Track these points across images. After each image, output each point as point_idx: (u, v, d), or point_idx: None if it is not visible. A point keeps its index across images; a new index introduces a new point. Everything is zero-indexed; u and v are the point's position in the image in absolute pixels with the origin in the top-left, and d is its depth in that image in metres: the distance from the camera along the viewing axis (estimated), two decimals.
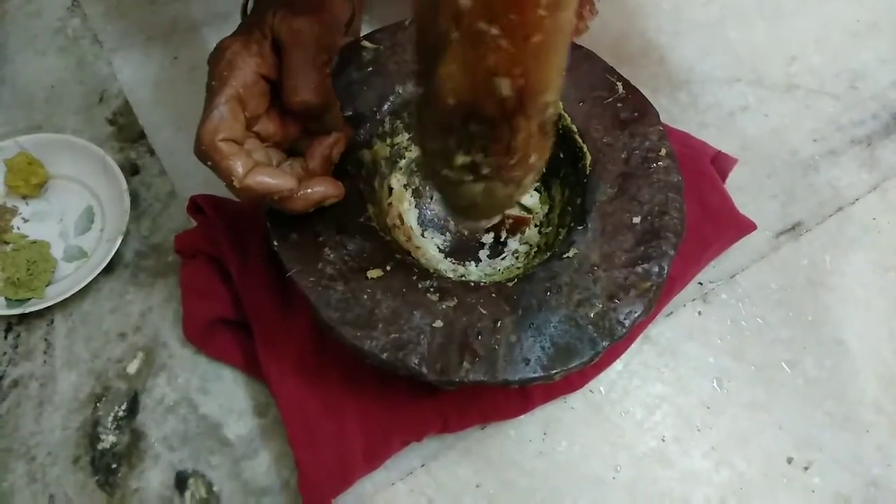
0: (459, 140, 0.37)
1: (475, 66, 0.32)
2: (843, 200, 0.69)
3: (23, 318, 0.61)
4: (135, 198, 0.66)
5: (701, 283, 0.64)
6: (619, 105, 0.58)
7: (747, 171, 0.69)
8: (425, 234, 0.61)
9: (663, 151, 0.56)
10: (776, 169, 0.70)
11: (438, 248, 0.61)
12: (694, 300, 0.64)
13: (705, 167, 0.66)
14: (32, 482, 0.56)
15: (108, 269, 0.63)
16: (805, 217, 0.68)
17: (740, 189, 0.68)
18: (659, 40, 0.77)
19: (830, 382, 0.61)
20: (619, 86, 0.59)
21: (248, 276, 0.58)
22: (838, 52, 0.77)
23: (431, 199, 0.62)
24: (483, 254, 0.60)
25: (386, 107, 0.57)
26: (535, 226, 0.61)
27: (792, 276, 0.65)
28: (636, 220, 0.53)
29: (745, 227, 0.65)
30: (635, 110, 0.58)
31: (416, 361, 0.47)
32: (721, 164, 0.67)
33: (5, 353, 0.60)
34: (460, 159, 0.37)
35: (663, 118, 0.59)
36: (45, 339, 0.61)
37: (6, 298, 0.60)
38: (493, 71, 0.32)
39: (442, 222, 0.62)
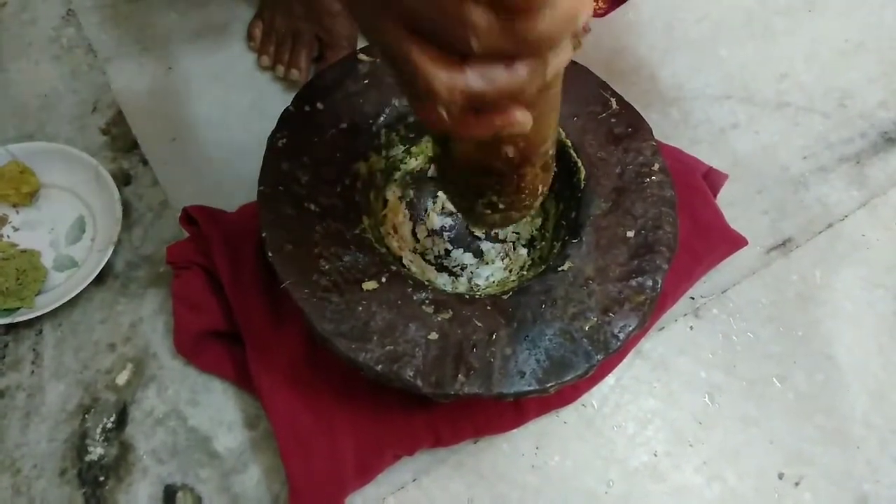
0: (477, 188, 0.43)
1: (484, 141, 0.35)
2: (833, 217, 0.70)
3: (11, 327, 0.61)
4: (127, 208, 0.66)
5: (693, 298, 0.65)
6: (612, 120, 0.59)
7: (738, 187, 0.70)
8: (419, 245, 0.61)
9: (657, 166, 0.57)
10: (766, 185, 0.71)
11: (431, 261, 0.61)
12: (686, 315, 0.64)
13: (697, 183, 0.66)
14: (17, 495, 0.55)
15: (99, 280, 0.62)
16: (795, 233, 0.68)
17: (731, 205, 0.68)
18: (651, 57, 0.78)
19: (821, 397, 0.61)
20: (613, 101, 0.60)
21: (241, 288, 0.58)
22: (827, 71, 0.78)
23: (426, 212, 0.63)
24: (468, 270, 0.61)
25: (382, 119, 0.57)
26: (527, 241, 0.62)
27: (782, 292, 0.65)
28: (630, 234, 0.53)
29: (736, 242, 0.65)
30: (629, 126, 0.59)
31: (411, 374, 0.46)
32: (712, 179, 0.68)
33: None
34: (480, 201, 0.44)
35: (655, 134, 0.59)
36: (34, 350, 0.60)
37: None
38: (500, 142, 0.36)
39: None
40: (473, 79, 0.29)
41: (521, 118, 0.32)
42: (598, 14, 0.66)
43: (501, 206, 0.44)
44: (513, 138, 0.35)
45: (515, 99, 0.31)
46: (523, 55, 0.30)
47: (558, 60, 0.31)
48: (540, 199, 0.46)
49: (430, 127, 0.34)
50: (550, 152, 0.43)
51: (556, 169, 0.58)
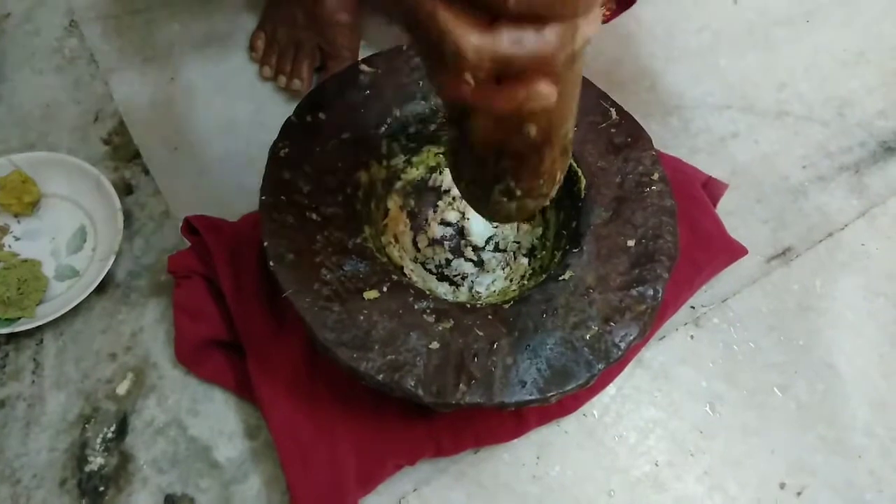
0: (495, 173, 0.40)
1: (505, 117, 0.34)
2: (833, 226, 0.70)
3: (11, 337, 0.61)
4: (128, 217, 0.66)
5: (693, 308, 0.65)
6: (612, 130, 0.59)
7: (738, 196, 0.70)
8: (420, 255, 0.62)
9: (656, 176, 0.57)
10: (766, 194, 0.71)
11: (432, 270, 0.61)
12: (686, 324, 0.64)
13: (696, 192, 0.66)
14: None
15: (100, 289, 0.62)
16: (795, 242, 0.69)
17: (731, 214, 0.68)
18: (651, 67, 0.78)
19: (822, 407, 0.61)
20: (613, 111, 0.60)
21: (242, 297, 0.58)
22: (826, 81, 0.79)
23: (427, 221, 0.63)
24: (469, 279, 0.61)
25: (383, 129, 0.58)
26: (528, 250, 0.62)
27: (783, 301, 0.65)
28: (630, 243, 0.53)
29: (736, 251, 0.65)
30: (629, 135, 0.59)
31: (413, 383, 0.46)
32: (712, 189, 0.68)
33: None
34: (496, 188, 0.42)
35: (655, 144, 0.60)
36: (34, 359, 0.60)
37: None
38: (521, 119, 0.34)
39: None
40: (503, 41, 0.28)
41: (546, 90, 0.30)
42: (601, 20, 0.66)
43: (518, 192, 0.42)
44: (535, 115, 0.33)
45: (542, 70, 0.30)
46: (555, 18, 0.29)
47: (588, 28, 0.30)
48: (556, 186, 0.44)
49: (452, 99, 0.32)
50: (570, 135, 0.41)
51: None
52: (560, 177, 0.43)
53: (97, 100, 0.73)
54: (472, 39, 0.28)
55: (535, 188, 0.42)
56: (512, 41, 0.28)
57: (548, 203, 0.47)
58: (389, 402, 0.54)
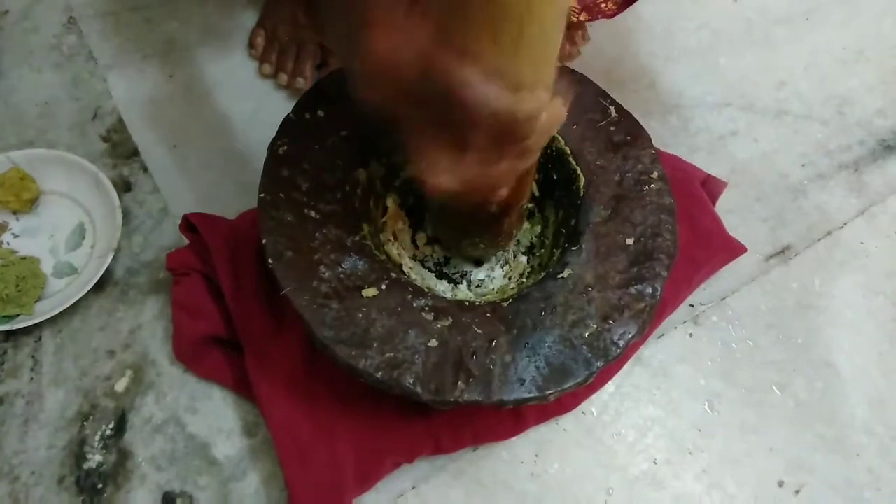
0: (464, 232, 0.55)
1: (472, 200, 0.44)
2: (832, 224, 0.70)
3: (10, 334, 0.61)
4: (127, 215, 0.66)
5: (692, 306, 0.65)
6: (611, 128, 0.59)
7: (737, 194, 0.70)
8: (419, 252, 0.62)
9: (655, 174, 0.57)
10: (765, 193, 0.71)
11: (431, 268, 0.61)
12: (685, 322, 0.64)
13: (696, 190, 0.66)
14: (15, 503, 0.55)
15: (99, 286, 0.62)
16: (794, 241, 0.69)
17: (730, 212, 0.68)
18: (650, 65, 0.78)
19: (821, 405, 0.61)
20: (612, 109, 0.60)
21: (241, 295, 0.58)
22: (826, 79, 0.79)
23: (426, 219, 0.63)
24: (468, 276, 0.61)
25: (382, 127, 0.57)
26: (527, 248, 0.62)
27: (782, 299, 0.66)
28: (629, 241, 0.53)
29: (735, 250, 0.65)
30: (628, 133, 0.59)
31: (411, 381, 0.46)
32: (711, 187, 0.68)
33: None
34: (465, 241, 0.56)
35: (654, 142, 0.59)
36: (33, 357, 0.60)
37: None
38: (486, 201, 0.45)
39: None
40: (469, 170, 0.39)
41: (502, 192, 0.43)
42: (608, 15, 0.66)
43: (482, 245, 0.56)
44: (495, 200, 0.44)
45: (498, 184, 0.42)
46: (505, 159, 0.39)
47: (528, 162, 0.41)
48: (513, 239, 0.59)
49: (431, 195, 0.42)
50: (525, 206, 0.53)
51: (555, 176, 0.59)
52: (516, 233, 0.58)
53: (96, 97, 0.73)
54: (444, 177, 0.39)
55: (495, 242, 0.56)
56: (475, 169, 0.39)
57: (505, 247, 0.61)
58: (388, 399, 0.54)
